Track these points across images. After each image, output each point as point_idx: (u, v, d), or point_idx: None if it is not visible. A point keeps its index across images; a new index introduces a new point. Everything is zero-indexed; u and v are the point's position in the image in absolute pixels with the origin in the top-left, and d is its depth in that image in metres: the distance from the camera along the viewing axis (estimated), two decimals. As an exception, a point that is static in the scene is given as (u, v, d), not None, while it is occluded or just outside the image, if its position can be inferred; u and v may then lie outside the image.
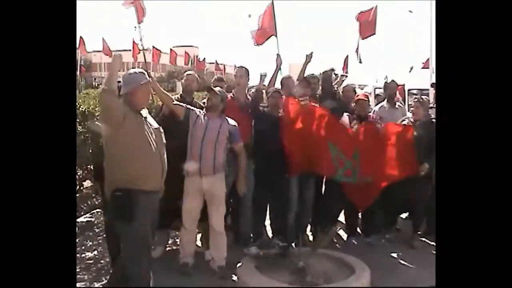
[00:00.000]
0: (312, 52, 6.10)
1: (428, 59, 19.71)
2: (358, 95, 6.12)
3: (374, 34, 12.28)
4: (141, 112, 3.73)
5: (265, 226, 5.82)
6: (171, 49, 18.97)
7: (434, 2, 9.56)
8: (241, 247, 5.27)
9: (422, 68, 15.77)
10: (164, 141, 3.86)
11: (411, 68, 19.04)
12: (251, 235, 5.51)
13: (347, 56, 16.15)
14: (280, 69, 5.93)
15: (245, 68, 5.42)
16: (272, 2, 6.50)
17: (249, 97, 5.51)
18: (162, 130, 3.88)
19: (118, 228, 3.68)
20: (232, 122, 4.84)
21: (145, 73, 3.81)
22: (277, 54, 6.12)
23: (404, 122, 5.91)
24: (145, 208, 3.57)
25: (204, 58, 30.50)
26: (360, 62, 11.03)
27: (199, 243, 5.43)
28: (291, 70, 7.42)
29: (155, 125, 3.85)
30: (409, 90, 11.95)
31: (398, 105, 6.73)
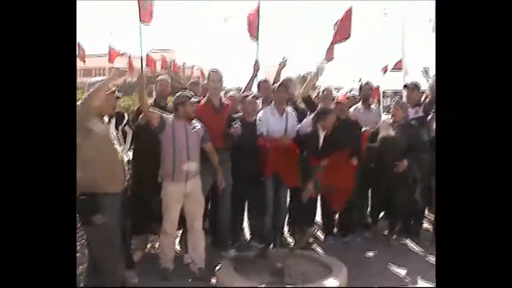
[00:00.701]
0: (285, 59, 6.14)
1: (399, 61, 19.99)
2: (337, 97, 6.20)
3: (349, 37, 12.46)
4: (104, 118, 3.88)
5: (243, 229, 5.86)
6: (147, 54, 18.79)
7: (407, 3, 9.72)
8: (219, 250, 5.34)
9: (393, 69, 15.97)
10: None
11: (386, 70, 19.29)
12: (229, 238, 5.53)
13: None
14: (256, 75, 5.97)
15: (219, 72, 5.46)
16: (258, 5, 6.53)
17: (224, 101, 5.54)
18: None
19: (85, 231, 3.85)
20: (198, 123, 4.94)
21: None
22: (256, 60, 6.14)
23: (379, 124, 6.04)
24: (110, 209, 3.70)
25: (184, 63, 30.33)
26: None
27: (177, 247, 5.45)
28: (268, 75, 7.44)
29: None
30: (383, 91, 12.09)
31: (373, 107, 6.81)
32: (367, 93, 6.80)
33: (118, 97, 4.15)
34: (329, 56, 15.52)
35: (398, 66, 19.14)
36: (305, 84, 6.21)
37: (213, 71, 5.49)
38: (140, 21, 5.18)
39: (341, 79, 19.35)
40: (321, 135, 5.61)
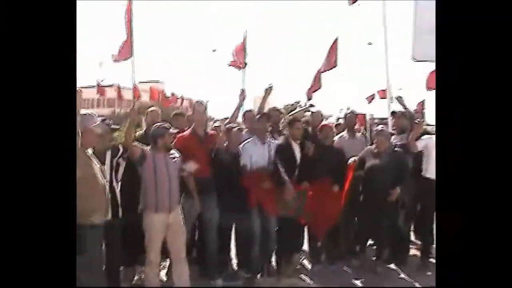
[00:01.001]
0: (271, 86, 6.22)
1: (384, 90, 20.32)
2: (323, 123, 6.31)
3: (335, 66, 12.75)
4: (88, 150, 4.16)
5: (231, 258, 5.87)
6: (134, 85, 18.93)
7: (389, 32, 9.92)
8: (207, 280, 5.35)
9: (381, 98, 16.27)
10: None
11: (373, 98, 19.68)
12: (217, 267, 5.53)
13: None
14: (242, 104, 6.07)
15: (203, 103, 5.57)
16: (245, 37, 6.71)
17: (209, 131, 5.63)
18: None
19: None
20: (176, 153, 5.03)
21: (94, 115, 4.32)
22: (242, 89, 6.24)
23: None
24: (93, 240, 3.90)
25: (172, 93, 30.35)
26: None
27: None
28: (255, 103, 7.57)
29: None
30: (372, 118, 12.29)
31: (358, 135, 6.88)
32: (351, 120, 6.88)
33: (114, 129, 4.31)
34: (316, 86, 15.87)
35: (382, 95, 19.53)
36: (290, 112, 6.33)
37: (197, 102, 5.59)
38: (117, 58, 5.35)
39: (330, 107, 19.63)
40: (295, 147, 5.75)
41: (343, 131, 6.83)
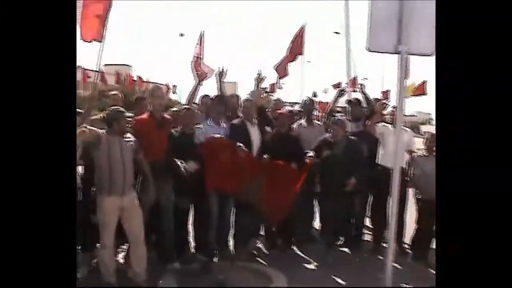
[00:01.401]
0: (223, 69, 6.28)
1: (353, 78, 20.76)
2: (279, 111, 6.43)
3: (302, 54, 12.84)
4: None
5: (189, 242, 5.96)
6: (100, 69, 18.67)
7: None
8: (164, 264, 5.43)
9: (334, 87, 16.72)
10: None
11: (326, 90, 20.46)
12: (174, 251, 5.62)
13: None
14: (201, 84, 6.13)
15: (161, 87, 5.63)
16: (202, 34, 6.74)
17: (166, 115, 5.68)
18: None
19: None
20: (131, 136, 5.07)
21: None
22: (219, 68, 6.33)
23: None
24: None
25: (140, 77, 29.97)
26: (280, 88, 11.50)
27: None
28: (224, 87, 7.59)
29: None
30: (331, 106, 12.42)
31: (316, 123, 6.96)
32: (309, 108, 6.96)
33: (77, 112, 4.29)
34: (282, 73, 15.97)
35: (351, 84, 19.92)
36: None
37: (155, 87, 5.63)
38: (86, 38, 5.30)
39: (299, 95, 19.89)
40: (252, 130, 5.95)
41: (301, 118, 6.92)
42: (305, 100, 7.15)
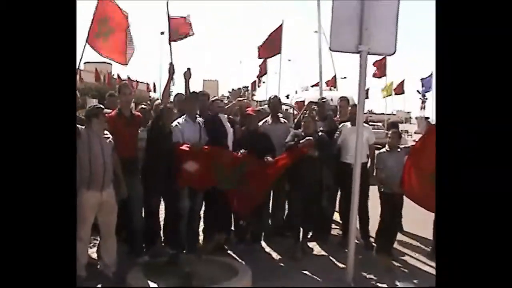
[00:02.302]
0: (189, 69, 6.24)
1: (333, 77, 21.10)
2: (247, 110, 6.57)
3: (279, 53, 12.75)
4: None
5: (159, 236, 6.06)
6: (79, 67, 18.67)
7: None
8: (134, 258, 5.53)
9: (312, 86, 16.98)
10: None
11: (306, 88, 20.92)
12: (143, 245, 5.76)
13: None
14: (173, 78, 6.19)
15: (128, 85, 5.71)
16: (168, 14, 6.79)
17: (135, 112, 5.78)
18: None
19: None
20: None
21: None
22: (170, 63, 6.21)
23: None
24: None
25: (118, 75, 30.01)
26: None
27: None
28: (205, 86, 7.65)
29: None
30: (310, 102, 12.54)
31: (283, 120, 6.99)
32: (274, 106, 7.00)
33: None
34: (263, 71, 15.95)
35: (330, 83, 20.52)
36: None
37: (123, 84, 5.73)
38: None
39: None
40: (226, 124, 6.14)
41: (267, 116, 6.96)
42: (271, 98, 7.19)
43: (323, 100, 7.01)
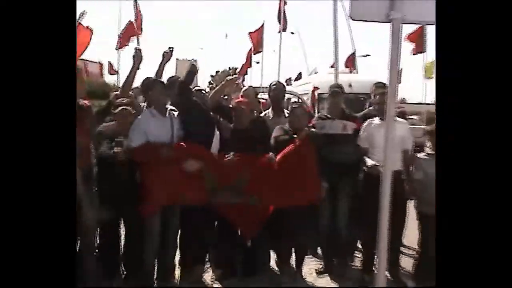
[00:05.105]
0: (171, 49, 4.98)
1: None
2: (238, 100, 5.10)
3: (261, 51, 13.41)
4: None
5: (120, 265, 4.69)
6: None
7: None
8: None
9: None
10: None
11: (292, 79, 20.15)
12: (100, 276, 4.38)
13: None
14: (139, 67, 4.77)
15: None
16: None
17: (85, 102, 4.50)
18: None
19: None
20: None
21: None
22: (136, 49, 5.05)
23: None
24: None
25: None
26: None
27: None
28: (178, 65, 6.28)
29: None
30: (319, 94, 11.01)
31: (286, 113, 5.34)
32: (277, 95, 5.48)
33: None
34: (247, 64, 15.92)
35: (348, 64, 17.59)
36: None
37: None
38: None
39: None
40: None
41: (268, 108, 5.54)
42: (272, 85, 5.61)
43: (336, 89, 5.27)
